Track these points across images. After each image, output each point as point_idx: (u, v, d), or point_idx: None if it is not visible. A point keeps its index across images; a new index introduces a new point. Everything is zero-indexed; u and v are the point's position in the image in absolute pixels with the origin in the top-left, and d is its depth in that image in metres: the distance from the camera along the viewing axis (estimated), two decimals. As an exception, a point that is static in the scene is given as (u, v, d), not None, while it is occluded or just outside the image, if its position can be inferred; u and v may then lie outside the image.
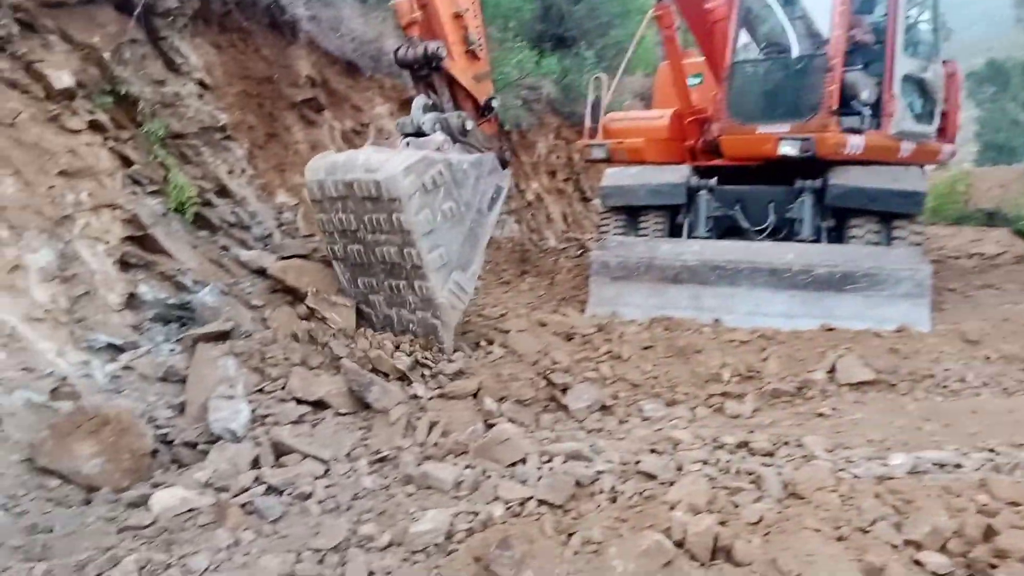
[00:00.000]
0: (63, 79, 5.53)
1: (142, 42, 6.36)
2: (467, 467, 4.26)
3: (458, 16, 6.26)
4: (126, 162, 5.94)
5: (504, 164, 6.48)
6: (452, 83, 6.37)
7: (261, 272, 6.46)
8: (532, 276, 10.35)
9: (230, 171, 7.17)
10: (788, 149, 7.77)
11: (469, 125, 6.24)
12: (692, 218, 8.52)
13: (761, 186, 8.44)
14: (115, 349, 5.23)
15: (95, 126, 5.75)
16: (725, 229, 8.50)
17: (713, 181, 8.49)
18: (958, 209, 17.59)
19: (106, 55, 5.88)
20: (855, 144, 7.74)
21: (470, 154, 6.15)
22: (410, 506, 3.91)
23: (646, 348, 6.27)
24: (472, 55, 6.38)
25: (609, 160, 9.48)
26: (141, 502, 4.05)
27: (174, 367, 5.26)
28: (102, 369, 5.05)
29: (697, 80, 9.52)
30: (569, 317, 6.91)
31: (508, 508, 3.75)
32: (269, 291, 6.33)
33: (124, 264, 5.64)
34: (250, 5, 7.98)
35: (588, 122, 9.67)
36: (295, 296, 6.33)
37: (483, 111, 6.56)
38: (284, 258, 6.60)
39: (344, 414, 5.16)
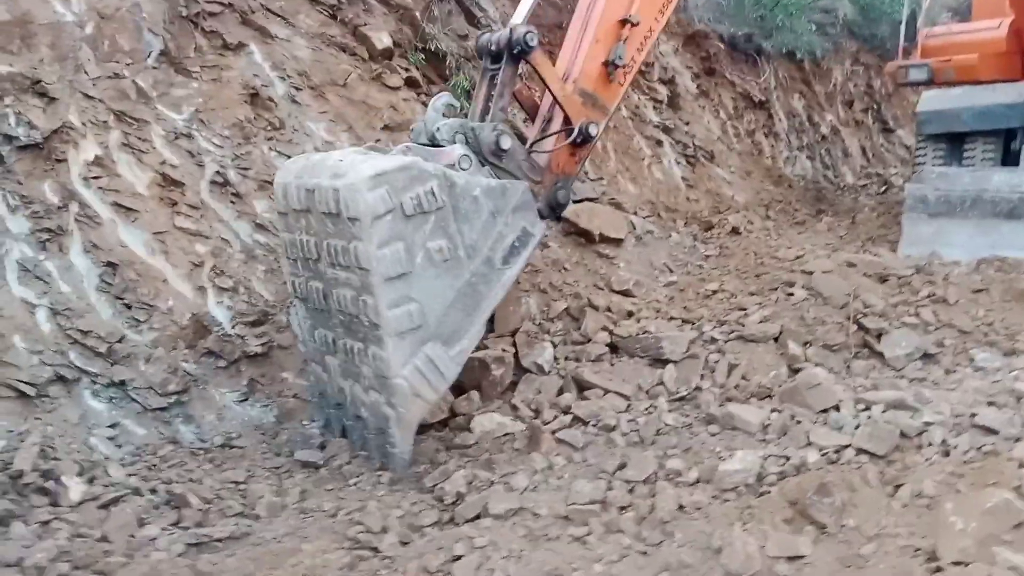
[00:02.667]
0: (383, 40, 6.13)
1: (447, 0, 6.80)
2: (773, 411, 4.12)
3: (624, 23, 4.86)
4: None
5: (555, 208, 4.78)
6: (524, 88, 4.96)
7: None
8: (829, 216, 9.61)
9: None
10: None
11: (506, 143, 4.34)
12: (1031, 144, 7.32)
13: None
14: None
15: (410, 82, 6.31)
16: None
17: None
18: None
19: (417, 14, 6.38)
20: None
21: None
22: (715, 445, 3.88)
23: (977, 291, 5.54)
24: (606, 72, 4.86)
25: (932, 82, 8.39)
26: (464, 425, 4.46)
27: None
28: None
29: None
30: (881, 257, 6.32)
31: (823, 455, 3.58)
32: (563, 234, 6.56)
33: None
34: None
35: (903, 40, 8.64)
36: (587, 238, 6.49)
37: (576, 138, 4.68)
38: (576, 202, 6.78)
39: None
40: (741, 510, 3.27)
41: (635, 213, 7.42)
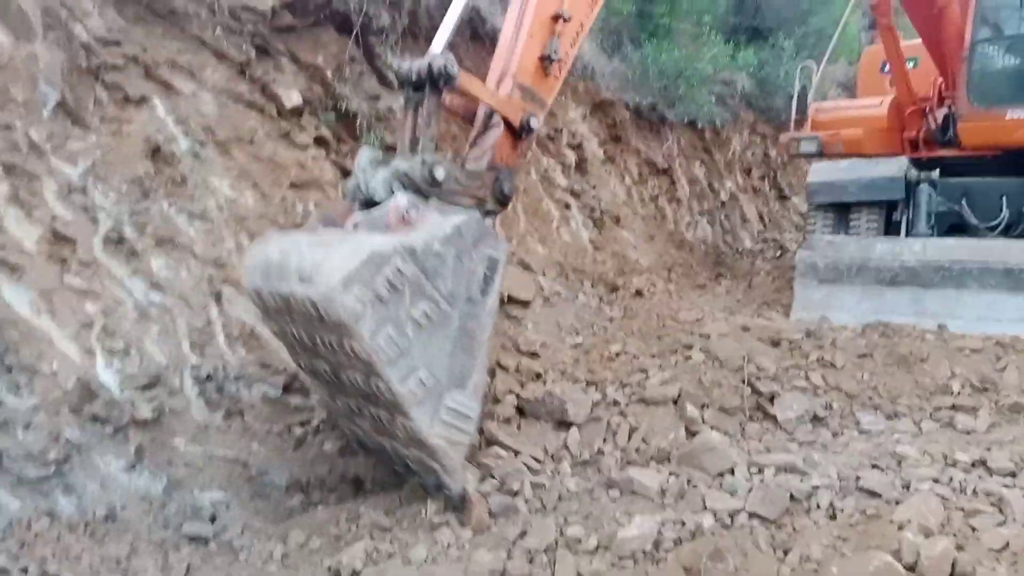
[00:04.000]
0: (293, 98, 6.10)
1: (359, 60, 6.84)
2: (671, 474, 4.20)
3: (557, 19, 4.94)
4: (346, 173, 6.42)
5: (503, 201, 4.74)
6: (454, 99, 4.82)
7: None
8: (728, 279, 10.03)
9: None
10: None
11: (440, 173, 4.28)
12: (911, 214, 7.87)
13: (992, 178, 7.64)
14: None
15: (320, 141, 6.29)
16: (948, 226, 7.78)
17: (934, 174, 7.80)
18: None
19: (328, 74, 6.40)
20: None
21: (448, 214, 4.26)
22: (615, 510, 3.90)
23: (862, 356, 5.86)
24: (543, 67, 4.94)
25: (822, 154, 8.89)
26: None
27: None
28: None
29: (910, 64, 8.78)
30: (773, 321, 6.61)
31: (718, 519, 3.66)
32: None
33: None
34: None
35: (795, 113, 9.18)
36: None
37: (518, 132, 4.77)
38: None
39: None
40: (639, 577, 3.30)
41: (543, 274, 7.55)
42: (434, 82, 4.36)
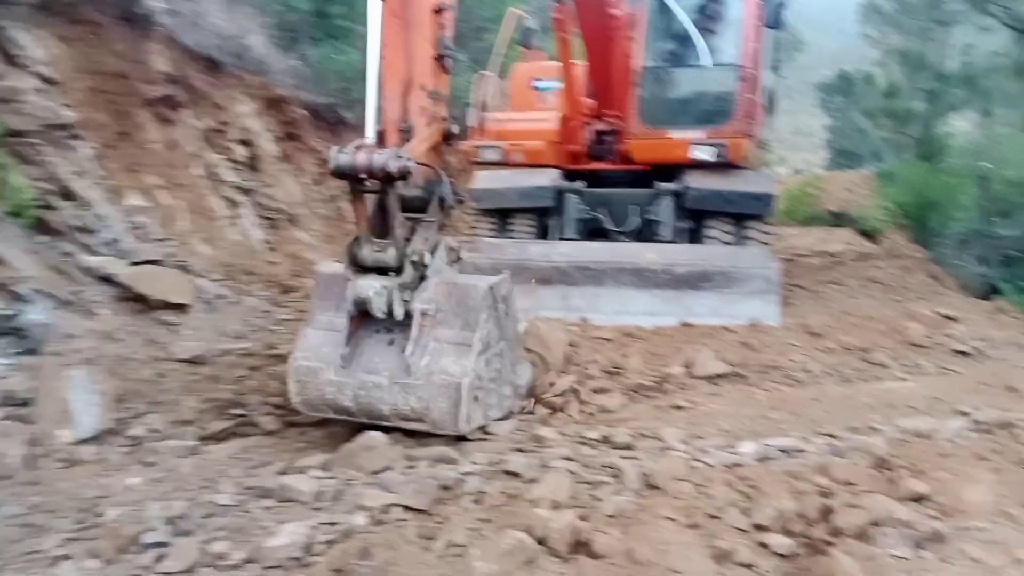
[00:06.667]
0: None
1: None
2: (330, 477, 4.15)
3: (439, 11, 4.86)
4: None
5: (459, 199, 5.18)
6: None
7: (108, 280, 6.08)
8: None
9: (76, 172, 6.71)
10: (701, 154, 8.16)
11: (434, 254, 4.69)
12: (560, 220, 8.68)
13: (625, 189, 8.70)
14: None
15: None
16: (591, 231, 8.72)
17: (580, 184, 8.69)
18: (808, 211, 18.81)
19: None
20: (750, 149, 8.25)
21: (465, 280, 4.82)
22: (267, 520, 3.75)
23: (516, 349, 6.32)
24: (440, 66, 4.97)
25: (504, 162, 9.20)
26: None
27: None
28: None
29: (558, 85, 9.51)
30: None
31: (370, 516, 3.69)
32: (116, 300, 5.96)
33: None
34: (99, -4, 7.53)
35: (475, 122, 9.47)
36: (146, 304, 6.00)
37: (447, 139, 5.12)
38: (135, 264, 6.25)
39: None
40: (287, 586, 3.21)
41: (205, 276, 7.08)
42: (392, 179, 4.40)
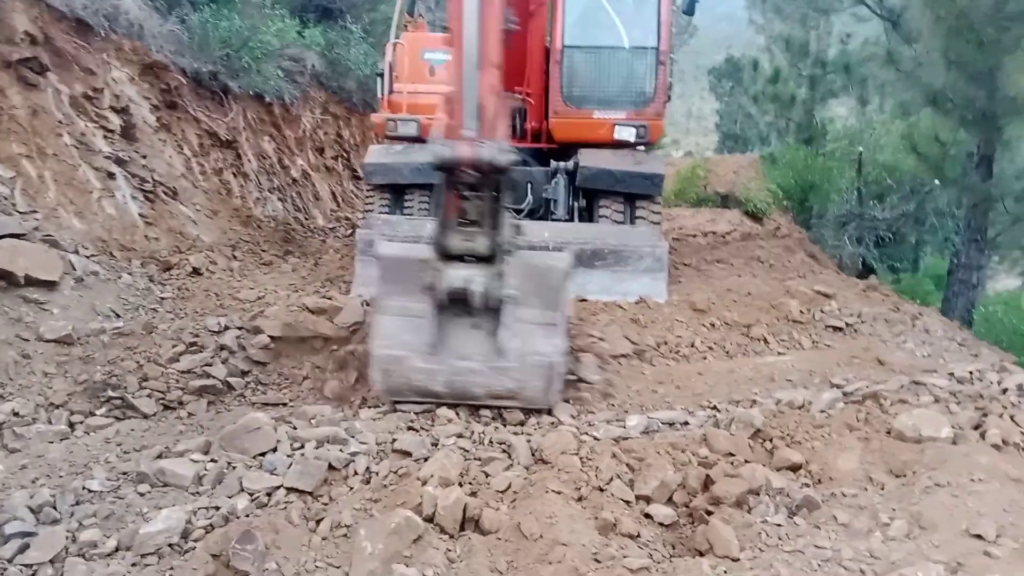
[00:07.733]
0: None
1: None
2: (211, 460, 4.00)
3: None
4: None
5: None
6: None
7: (-36, 255, 5.61)
8: (296, 256, 9.97)
9: (-76, 138, 6.14)
10: (625, 134, 8.27)
11: (519, 231, 5.03)
12: (456, 197, 8.60)
13: (520, 167, 8.69)
14: None
15: None
16: (488, 208, 8.68)
17: (476, 161, 8.63)
18: (698, 192, 19.39)
19: None
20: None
21: (540, 260, 5.03)
22: (143, 506, 3.59)
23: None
24: (506, 38, 4.93)
25: (421, 137, 8.67)
26: None
27: None
28: None
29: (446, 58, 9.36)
30: (333, 299, 6.70)
31: (253, 500, 3.58)
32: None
33: None
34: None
35: (385, 93, 9.17)
36: (9, 281, 5.57)
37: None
38: (-3, 238, 5.79)
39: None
40: (162, 574, 3.08)
41: (76, 252, 6.63)
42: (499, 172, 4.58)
